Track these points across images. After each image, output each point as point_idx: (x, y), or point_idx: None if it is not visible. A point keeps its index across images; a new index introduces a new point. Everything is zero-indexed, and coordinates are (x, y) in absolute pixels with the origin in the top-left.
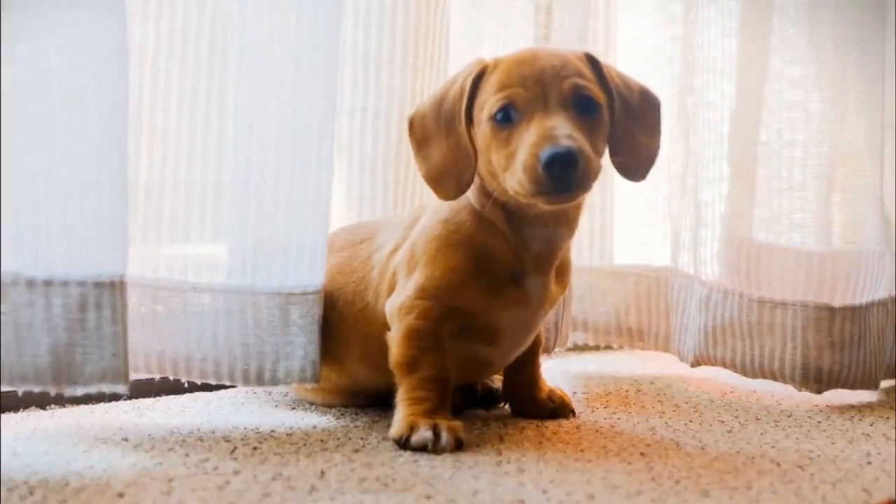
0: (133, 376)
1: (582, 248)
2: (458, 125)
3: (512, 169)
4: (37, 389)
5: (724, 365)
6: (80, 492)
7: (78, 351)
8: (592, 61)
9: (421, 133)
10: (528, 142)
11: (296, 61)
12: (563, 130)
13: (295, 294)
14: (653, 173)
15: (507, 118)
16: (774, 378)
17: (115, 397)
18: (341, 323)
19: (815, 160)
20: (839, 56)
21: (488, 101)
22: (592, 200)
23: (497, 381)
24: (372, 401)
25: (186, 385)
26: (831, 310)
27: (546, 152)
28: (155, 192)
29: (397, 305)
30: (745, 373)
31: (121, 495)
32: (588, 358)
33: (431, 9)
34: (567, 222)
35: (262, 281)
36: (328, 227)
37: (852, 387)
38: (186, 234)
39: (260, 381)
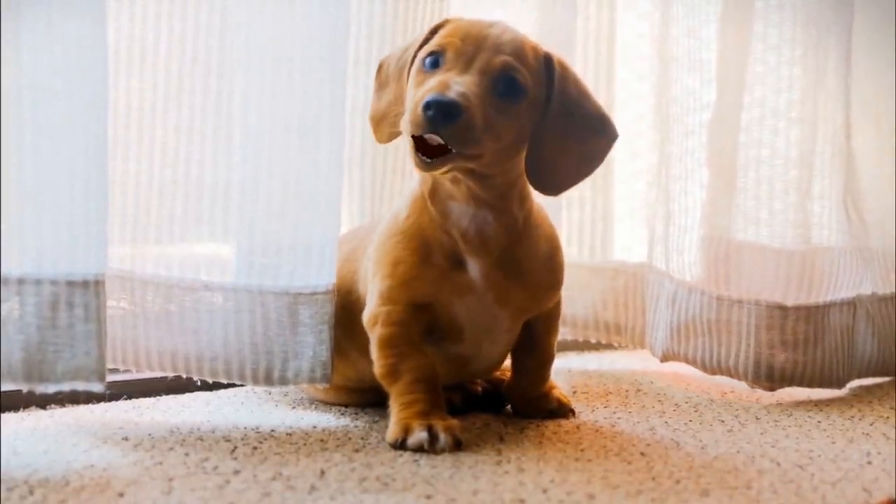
0: (146, 374)
1: (571, 244)
2: (406, 71)
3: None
4: (9, 387)
5: (687, 361)
6: (80, 491)
7: (49, 349)
8: (548, 60)
9: (384, 76)
10: (426, 86)
11: (303, 60)
12: (458, 87)
13: (304, 294)
14: (645, 169)
15: (434, 64)
16: (730, 375)
17: (115, 396)
18: (345, 313)
19: (782, 159)
20: (817, 57)
21: (427, 46)
22: (583, 195)
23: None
24: (379, 400)
25: (186, 384)
26: (784, 308)
27: (430, 96)
28: (168, 191)
29: (367, 316)
30: (704, 369)
31: (121, 495)
32: (588, 357)
33: (411, 6)
34: (488, 205)
35: (271, 280)
36: (338, 226)
37: (809, 385)
38: (198, 233)
39: (269, 380)
